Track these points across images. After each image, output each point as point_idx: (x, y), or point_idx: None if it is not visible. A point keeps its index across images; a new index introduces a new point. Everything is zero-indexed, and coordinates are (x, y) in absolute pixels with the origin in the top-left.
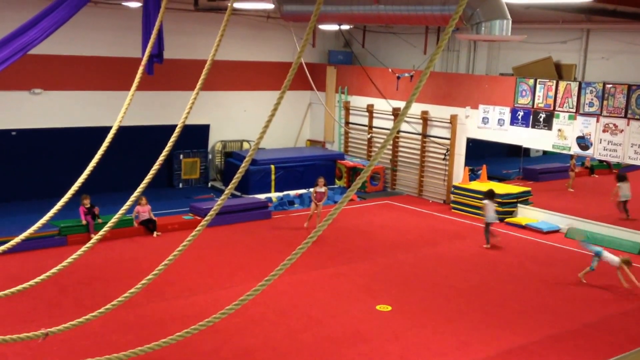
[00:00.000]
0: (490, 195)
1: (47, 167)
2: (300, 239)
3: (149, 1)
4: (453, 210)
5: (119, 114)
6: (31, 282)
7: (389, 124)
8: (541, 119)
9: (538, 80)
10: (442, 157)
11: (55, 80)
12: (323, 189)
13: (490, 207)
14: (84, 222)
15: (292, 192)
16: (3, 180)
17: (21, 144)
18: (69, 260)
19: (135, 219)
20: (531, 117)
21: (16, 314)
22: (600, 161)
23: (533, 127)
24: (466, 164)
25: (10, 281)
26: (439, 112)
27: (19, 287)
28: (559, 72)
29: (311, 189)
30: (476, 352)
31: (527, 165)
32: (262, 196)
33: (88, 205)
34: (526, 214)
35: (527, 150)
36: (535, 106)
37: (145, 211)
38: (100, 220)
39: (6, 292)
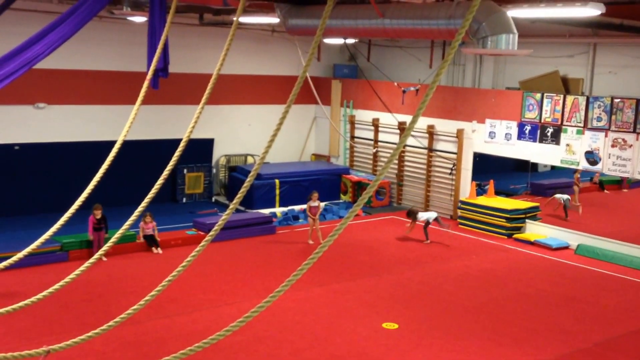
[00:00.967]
0: (411, 214)
1: (51, 182)
2: (305, 254)
3: (154, 16)
4: (460, 225)
5: (124, 129)
6: (32, 299)
7: (395, 138)
8: (549, 134)
9: (545, 94)
10: (449, 171)
11: (59, 94)
12: (316, 203)
13: (422, 216)
14: (90, 236)
15: (297, 207)
16: (6, 195)
17: (24, 158)
18: (71, 276)
19: (137, 235)
20: (539, 131)
21: (17, 331)
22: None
23: (541, 141)
24: (473, 178)
25: (12, 297)
26: (445, 126)
27: (20, 304)
28: (566, 86)
29: (304, 205)
30: None
31: (534, 180)
32: (266, 211)
33: (99, 217)
34: (534, 230)
35: (534, 165)
36: (542, 120)
37: (149, 228)
38: (106, 235)
39: (7, 308)
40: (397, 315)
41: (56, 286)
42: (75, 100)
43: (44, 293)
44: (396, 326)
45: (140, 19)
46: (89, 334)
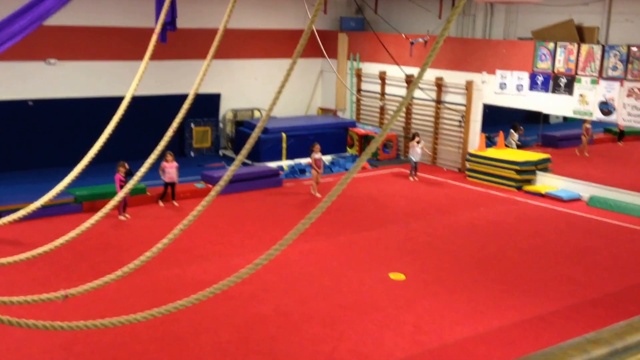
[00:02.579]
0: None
1: (63, 136)
2: (312, 206)
3: None
4: (468, 178)
5: (133, 84)
6: (50, 246)
7: (402, 91)
8: (562, 84)
9: (558, 43)
10: (457, 124)
11: (70, 50)
12: (319, 155)
13: (416, 148)
14: (119, 192)
15: (304, 161)
16: (20, 149)
17: (37, 113)
18: (85, 225)
19: (162, 175)
20: (551, 82)
21: (35, 279)
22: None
23: (553, 92)
24: (483, 130)
25: (27, 248)
26: (454, 78)
27: (38, 251)
28: (581, 35)
29: (309, 158)
30: (492, 321)
31: (546, 131)
32: (273, 164)
33: (124, 174)
34: (545, 182)
35: (546, 117)
36: (555, 71)
37: (172, 167)
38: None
39: (27, 254)
40: (404, 266)
41: (71, 234)
42: (85, 56)
43: (60, 241)
44: (403, 277)
45: None
46: (104, 278)
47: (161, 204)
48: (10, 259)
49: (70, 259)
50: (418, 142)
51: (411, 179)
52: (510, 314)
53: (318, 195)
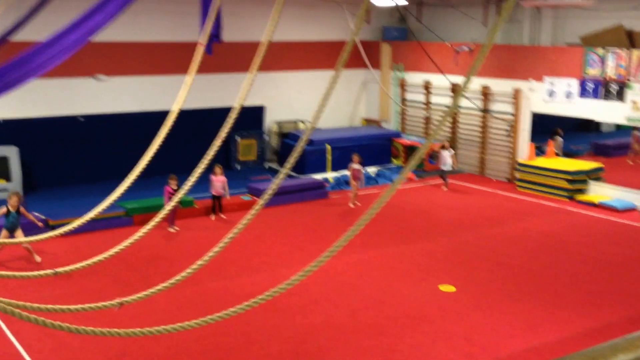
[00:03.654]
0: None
1: (113, 151)
2: (358, 218)
3: None
4: (518, 188)
5: (179, 97)
6: (101, 257)
7: (448, 101)
8: (613, 91)
9: (608, 49)
10: (505, 133)
11: (118, 66)
12: (357, 166)
13: (445, 156)
14: (167, 204)
15: (349, 172)
16: (71, 164)
17: (87, 129)
18: (134, 237)
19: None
20: (602, 88)
21: (89, 291)
22: None
23: (604, 99)
24: (531, 139)
25: (79, 260)
26: (501, 86)
27: (89, 262)
28: (631, 40)
29: (349, 170)
30: (547, 334)
31: (598, 140)
32: (318, 176)
33: (175, 187)
34: (599, 192)
35: (598, 125)
36: (606, 77)
37: (219, 181)
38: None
39: (79, 265)
40: (454, 278)
41: (121, 246)
42: (132, 71)
43: (111, 252)
44: (453, 289)
45: None
46: (158, 287)
47: (212, 217)
48: (61, 269)
49: (122, 271)
50: (446, 148)
51: (444, 188)
52: (566, 326)
53: (357, 204)
